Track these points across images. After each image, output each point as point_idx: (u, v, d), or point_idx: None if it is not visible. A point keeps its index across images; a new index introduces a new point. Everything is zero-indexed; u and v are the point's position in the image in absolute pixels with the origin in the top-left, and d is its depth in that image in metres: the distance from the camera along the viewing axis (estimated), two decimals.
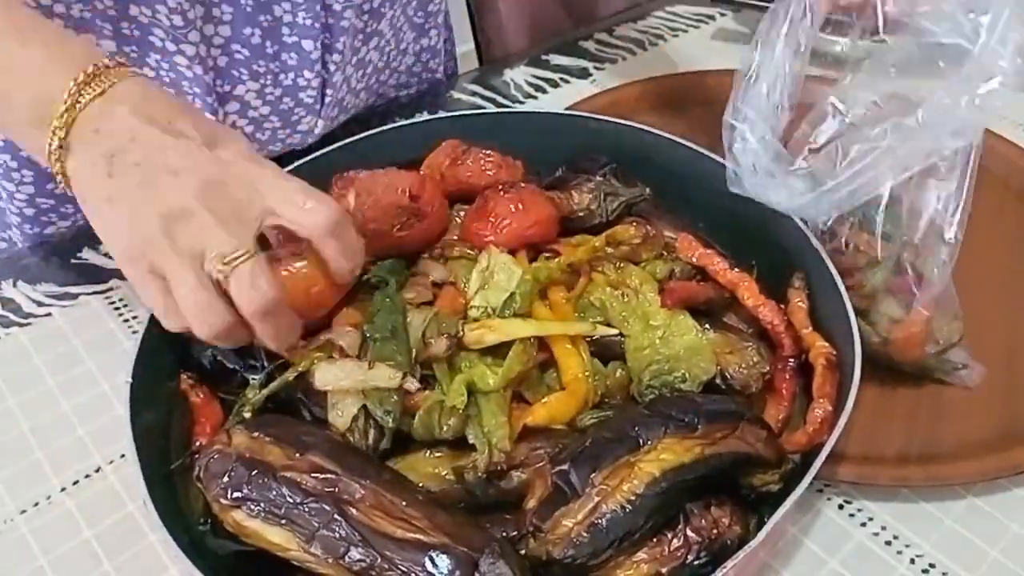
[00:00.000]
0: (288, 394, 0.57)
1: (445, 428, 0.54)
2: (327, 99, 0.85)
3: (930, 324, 0.63)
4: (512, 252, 0.63)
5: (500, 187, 0.65)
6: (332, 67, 0.84)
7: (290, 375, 0.57)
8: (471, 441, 0.54)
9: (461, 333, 0.57)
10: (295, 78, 0.82)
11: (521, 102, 1.00)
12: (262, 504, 0.48)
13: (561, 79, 1.04)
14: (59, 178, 0.54)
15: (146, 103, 0.53)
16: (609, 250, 0.64)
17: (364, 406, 0.54)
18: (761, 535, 0.48)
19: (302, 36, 0.80)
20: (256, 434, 0.51)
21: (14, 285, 0.76)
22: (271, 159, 0.55)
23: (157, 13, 0.73)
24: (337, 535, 0.47)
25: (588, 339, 0.59)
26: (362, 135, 0.75)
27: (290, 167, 0.70)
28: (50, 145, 0.52)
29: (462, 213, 0.67)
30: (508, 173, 0.68)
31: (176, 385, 0.60)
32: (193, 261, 0.50)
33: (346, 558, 0.47)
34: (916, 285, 0.63)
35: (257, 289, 0.50)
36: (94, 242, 0.80)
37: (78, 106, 0.52)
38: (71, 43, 0.56)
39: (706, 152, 0.71)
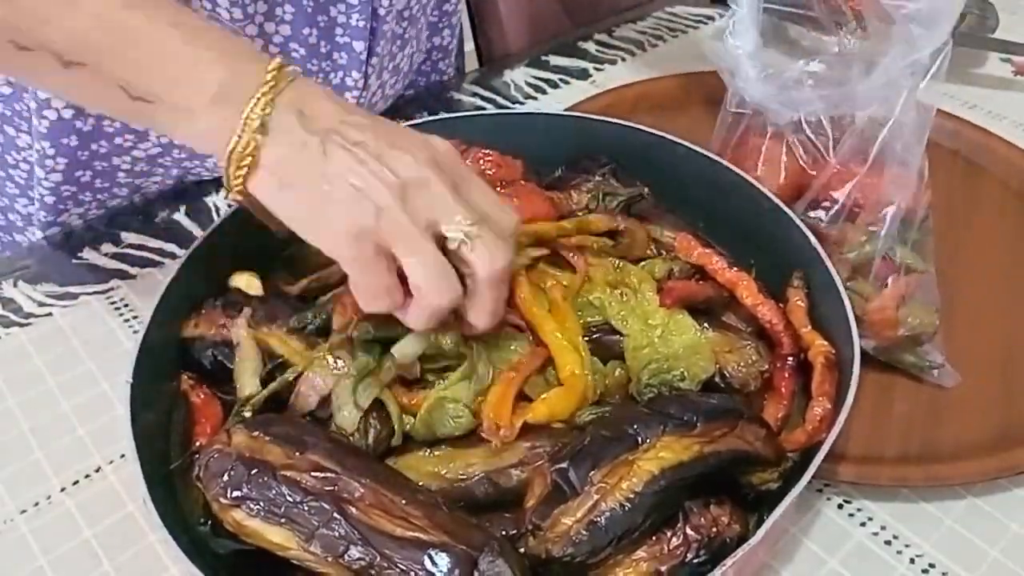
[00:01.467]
0: (288, 394, 0.57)
1: (447, 343, 0.55)
2: (361, 102, 0.87)
3: (903, 304, 0.65)
4: None
5: (499, 186, 0.65)
6: (369, 70, 0.85)
7: (290, 375, 0.57)
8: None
9: None
10: (343, 78, 0.84)
11: (521, 102, 1.00)
12: (262, 503, 0.48)
13: (561, 80, 1.04)
14: (238, 165, 0.50)
15: (339, 97, 0.53)
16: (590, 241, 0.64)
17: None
18: (760, 533, 0.48)
19: (354, 37, 0.81)
20: (256, 433, 0.51)
21: (14, 285, 0.77)
22: None
23: (218, 6, 0.73)
24: (336, 534, 0.47)
25: (587, 338, 0.59)
26: None
27: None
28: (247, 122, 0.49)
29: None
30: (507, 172, 0.68)
31: (176, 385, 0.60)
32: (427, 231, 0.49)
33: (345, 557, 0.47)
34: (895, 272, 0.66)
35: (500, 251, 0.50)
36: (94, 242, 0.80)
37: (277, 88, 0.50)
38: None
39: (706, 152, 0.71)
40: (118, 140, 0.80)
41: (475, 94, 1.01)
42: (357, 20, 0.80)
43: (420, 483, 0.53)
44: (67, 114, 0.76)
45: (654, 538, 0.49)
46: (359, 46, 0.82)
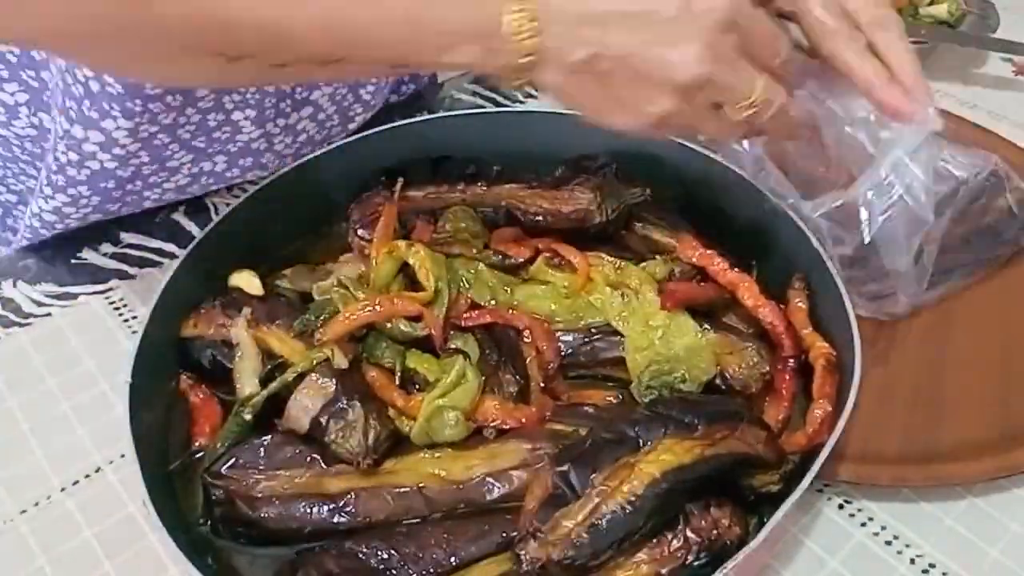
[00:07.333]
0: (287, 394, 0.57)
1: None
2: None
3: None
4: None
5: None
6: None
7: (290, 375, 0.57)
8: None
9: None
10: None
11: (521, 102, 0.99)
12: None
13: None
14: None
15: None
16: None
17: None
18: (760, 536, 0.48)
19: None
20: None
21: (14, 285, 0.76)
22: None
23: None
24: None
25: (587, 339, 0.60)
26: (361, 135, 0.74)
27: (286, 168, 0.70)
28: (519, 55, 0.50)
29: None
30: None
31: (176, 385, 0.61)
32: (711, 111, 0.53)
33: None
34: None
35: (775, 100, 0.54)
36: (93, 242, 0.80)
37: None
38: None
39: (706, 152, 0.71)
40: (152, 179, 0.77)
41: (475, 93, 1.01)
42: None
43: (421, 484, 0.53)
44: (110, 165, 0.72)
45: (655, 540, 0.49)
46: None
